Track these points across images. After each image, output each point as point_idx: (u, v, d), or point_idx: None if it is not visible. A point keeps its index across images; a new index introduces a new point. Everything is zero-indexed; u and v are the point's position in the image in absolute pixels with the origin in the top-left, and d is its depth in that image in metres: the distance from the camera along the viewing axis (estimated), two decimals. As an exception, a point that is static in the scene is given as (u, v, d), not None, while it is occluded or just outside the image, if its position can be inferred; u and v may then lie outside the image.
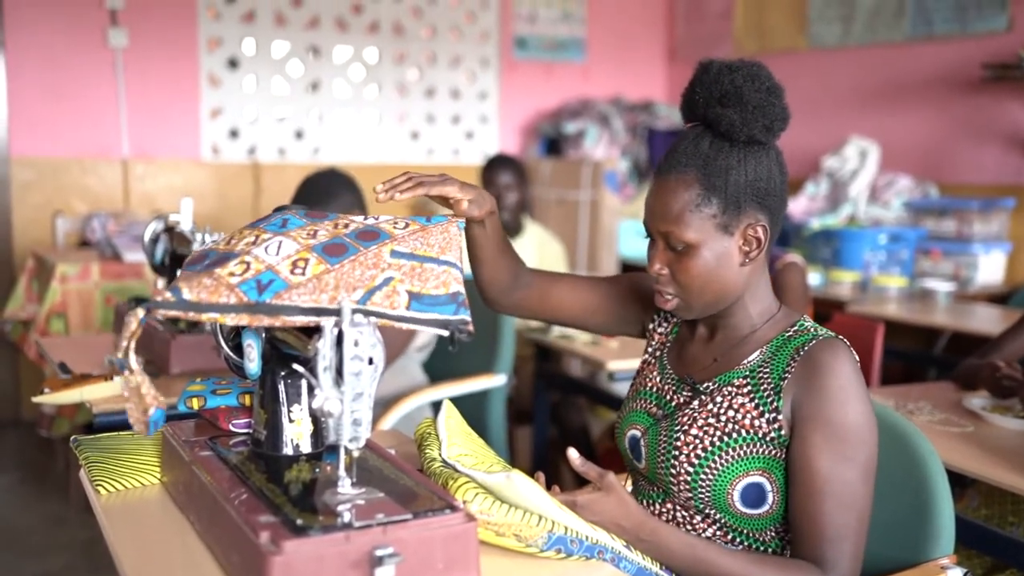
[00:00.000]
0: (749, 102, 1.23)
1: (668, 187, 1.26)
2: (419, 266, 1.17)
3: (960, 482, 1.86)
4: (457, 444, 1.27)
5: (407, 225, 1.24)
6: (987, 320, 3.29)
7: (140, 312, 1.09)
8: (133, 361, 1.09)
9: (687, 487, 1.28)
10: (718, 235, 1.25)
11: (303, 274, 1.12)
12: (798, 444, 1.23)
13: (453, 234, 1.24)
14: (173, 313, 1.09)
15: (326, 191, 2.55)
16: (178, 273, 1.17)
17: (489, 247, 1.37)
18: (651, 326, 1.48)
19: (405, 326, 1.13)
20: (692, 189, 1.24)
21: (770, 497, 1.26)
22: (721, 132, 1.25)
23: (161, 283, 2.26)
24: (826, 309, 3.42)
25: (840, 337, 1.27)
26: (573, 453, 1.20)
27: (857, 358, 1.26)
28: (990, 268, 3.96)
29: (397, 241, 1.20)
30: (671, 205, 1.25)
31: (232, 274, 1.11)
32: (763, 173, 1.26)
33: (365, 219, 1.24)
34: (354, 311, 1.09)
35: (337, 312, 1.09)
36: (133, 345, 1.09)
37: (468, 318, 1.15)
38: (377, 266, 1.15)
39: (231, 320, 1.09)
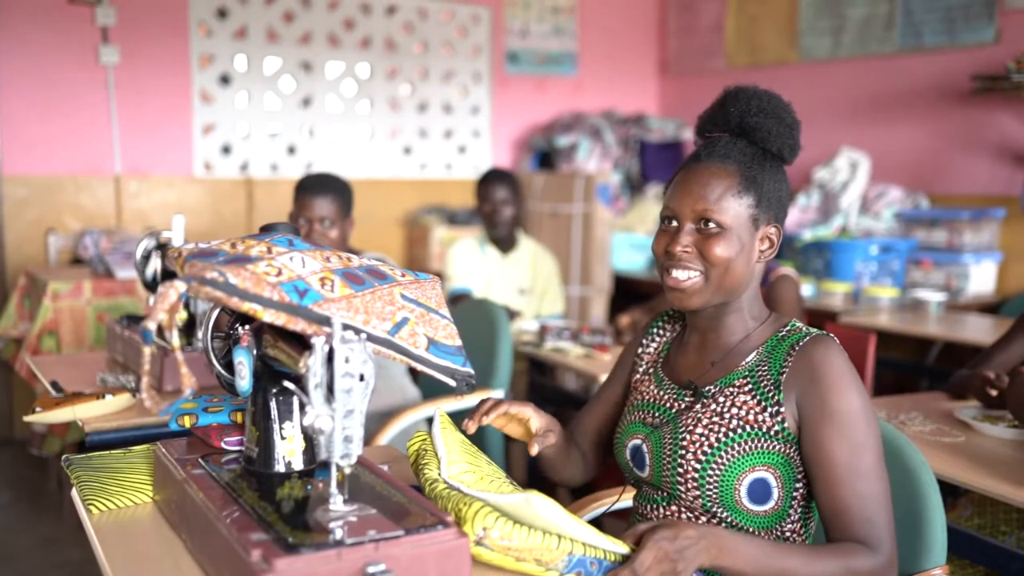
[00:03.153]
0: (784, 119, 1.35)
1: (710, 171, 1.33)
2: (427, 314, 1.24)
3: (952, 492, 1.87)
4: (456, 461, 1.25)
5: (404, 274, 1.30)
6: (979, 330, 3.29)
7: (181, 285, 1.10)
8: (176, 337, 1.10)
9: (695, 484, 1.29)
10: (748, 226, 1.33)
11: (332, 291, 1.16)
12: (811, 441, 1.26)
13: (439, 292, 1.33)
14: (217, 294, 1.10)
15: (348, 189, 2.73)
16: (185, 265, 1.17)
17: (558, 459, 1.48)
18: (639, 350, 1.53)
19: (421, 367, 1.20)
20: (733, 178, 1.32)
21: (775, 493, 1.28)
22: (756, 139, 1.35)
23: (153, 300, 2.26)
24: (818, 320, 3.43)
25: (829, 334, 1.32)
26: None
27: (846, 353, 1.30)
28: (981, 278, 3.97)
29: (403, 286, 1.26)
30: (714, 186, 1.31)
31: (267, 274, 1.13)
32: (783, 188, 1.37)
33: (360, 258, 1.29)
34: (382, 340, 1.15)
35: (375, 338, 1.14)
36: (175, 319, 1.10)
37: (473, 372, 1.24)
38: (393, 303, 1.21)
39: (269, 316, 1.11)
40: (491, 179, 3.60)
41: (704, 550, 1.14)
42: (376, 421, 2.44)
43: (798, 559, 1.20)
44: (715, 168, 1.32)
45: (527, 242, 3.73)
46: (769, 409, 1.28)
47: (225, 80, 4.77)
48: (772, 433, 1.28)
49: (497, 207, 3.56)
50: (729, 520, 1.30)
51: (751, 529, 1.30)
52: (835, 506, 1.24)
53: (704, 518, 1.31)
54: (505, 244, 3.65)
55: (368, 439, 2.28)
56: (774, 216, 1.35)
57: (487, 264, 3.64)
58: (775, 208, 1.35)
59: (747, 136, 1.35)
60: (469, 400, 2.54)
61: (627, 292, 4.79)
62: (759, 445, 1.28)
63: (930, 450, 1.79)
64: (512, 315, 3.30)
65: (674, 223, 1.35)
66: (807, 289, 3.88)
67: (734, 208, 1.31)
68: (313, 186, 2.65)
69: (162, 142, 4.65)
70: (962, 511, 2.00)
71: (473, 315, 2.74)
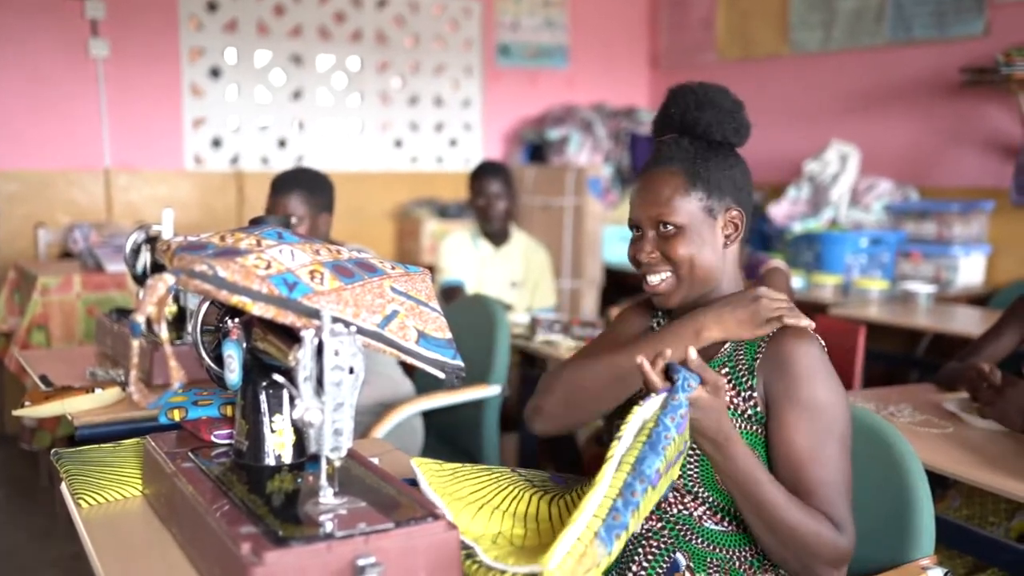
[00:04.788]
0: (722, 107, 1.40)
1: (657, 178, 1.38)
2: (416, 307, 1.24)
3: (941, 483, 1.88)
4: (458, 513, 1.18)
5: (394, 267, 1.30)
6: (968, 322, 3.31)
7: (169, 278, 1.10)
8: (164, 330, 1.10)
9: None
10: (704, 217, 1.37)
11: (322, 284, 1.16)
12: (775, 426, 1.30)
13: (429, 285, 1.33)
14: (206, 287, 1.09)
15: (321, 185, 2.70)
16: (174, 257, 1.17)
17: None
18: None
19: (410, 360, 1.20)
20: (678, 177, 1.37)
21: None
22: (699, 134, 1.39)
23: (142, 293, 2.25)
24: (808, 312, 3.42)
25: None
26: (693, 354, 1.21)
27: (823, 344, 1.34)
28: (970, 270, 3.99)
29: (393, 279, 1.26)
30: (662, 191, 1.37)
31: (257, 267, 1.13)
32: (736, 172, 1.41)
33: (350, 250, 1.29)
34: (371, 333, 1.15)
35: (365, 331, 1.14)
36: (164, 312, 1.10)
37: (463, 364, 1.25)
38: (383, 296, 1.21)
39: (258, 310, 1.10)
40: (485, 172, 3.58)
41: (703, 429, 1.18)
42: (370, 414, 2.44)
43: (781, 495, 1.22)
44: (661, 172, 1.38)
45: (519, 235, 3.73)
46: (743, 393, 1.32)
47: (215, 73, 4.75)
48: (747, 416, 1.32)
49: (491, 201, 3.55)
50: (711, 500, 1.33)
51: (732, 509, 1.33)
52: (796, 489, 1.26)
53: (688, 497, 1.34)
54: (498, 238, 3.64)
55: (364, 432, 2.28)
56: (732, 200, 1.39)
57: (479, 257, 3.63)
58: (730, 193, 1.39)
59: (690, 132, 1.40)
60: (460, 394, 2.55)
61: (618, 285, 4.80)
62: (737, 427, 1.31)
63: (919, 441, 1.79)
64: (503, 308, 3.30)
65: (638, 230, 1.41)
66: (797, 281, 3.89)
67: (685, 207, 1.36)
68: (279, 184, 2.66)
69: (152, 136, 4.63)
70: (951, 502, 2.01)
71: (472, 312, 2.75)
